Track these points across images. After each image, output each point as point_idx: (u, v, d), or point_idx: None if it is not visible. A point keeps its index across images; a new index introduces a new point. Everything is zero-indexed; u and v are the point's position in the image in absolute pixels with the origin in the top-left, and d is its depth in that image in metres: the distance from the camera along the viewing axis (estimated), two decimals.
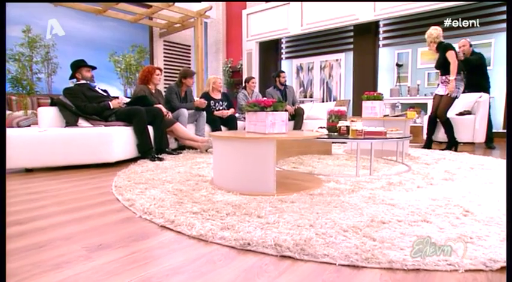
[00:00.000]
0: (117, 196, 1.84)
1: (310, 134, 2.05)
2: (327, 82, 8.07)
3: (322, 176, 2.31)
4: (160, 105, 3.48)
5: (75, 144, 2.66)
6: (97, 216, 1.53)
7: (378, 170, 2.55)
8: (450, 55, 3.63)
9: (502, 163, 2.87)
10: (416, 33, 6.55)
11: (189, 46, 9.43)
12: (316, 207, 1.58)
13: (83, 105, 3.01)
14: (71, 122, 2.91)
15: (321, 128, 3.05)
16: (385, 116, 3.62)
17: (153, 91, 3.65)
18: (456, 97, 3.73)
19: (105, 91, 3.35)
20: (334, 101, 7.94)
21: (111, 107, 3.11)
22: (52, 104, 3.03)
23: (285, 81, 4.89)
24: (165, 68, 9.28)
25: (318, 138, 2.28)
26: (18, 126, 4.96)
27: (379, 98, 3.51)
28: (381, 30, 7.01)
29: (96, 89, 3.23)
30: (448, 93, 3.70)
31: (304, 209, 1.55)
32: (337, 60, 7.81)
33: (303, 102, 8.08)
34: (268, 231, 1.27)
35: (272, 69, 8.68)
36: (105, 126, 2.99)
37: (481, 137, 3.95)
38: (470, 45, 4.43)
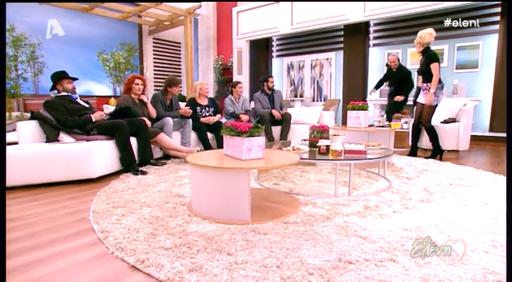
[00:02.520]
0: (93, 225, 1.84)
1: (288, 159, 2.05)
2: (317, 81, 8.04)
3: (301, 196, 2.32)
4: (144, 118, 3.44)
5: (56, 161, 2.64)
6: (69, 252, 1.53)
7: (358, 187, 2.57)
8: (434, 68, 3.65)
9: (481, 176, 2.91)
10: (406, 33, 6.52)
11: (179, 43, 9.30)
12: (288, 240, 1.59)
13: (64, 118, 2.97)
14: (51, 138, 2.88)
15: (305, 140, 3.07)
16: (370, 125, 3.64)
17: (137, 101, 3.61)
18: (436, 105, 3.77)
19: (87, 102, 3.30)
20: (324, 100, 7.95)
21: (93, 119, 3.08)
22: (32, 117, 2.98)
23: (273, 86, 4.87)
24: (154, 66, 9.17)
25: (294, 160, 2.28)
26: None
27: (364, 108, 3.52)
28: (371, 29, 6.97)
29: (78, 101, 3.19)
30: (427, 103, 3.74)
31: (275, 243, 1.56)
32: (327, 59, 7.78)
33: (293, 101, 8.07)
34: (234, 274, 1.29)
35: (263, 67, 8.63)
36: (87, 140, 2.96)
37: (465, 145, 3.99)
38: (398, 60, 5.28)
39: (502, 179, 2.83)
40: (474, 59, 5.95)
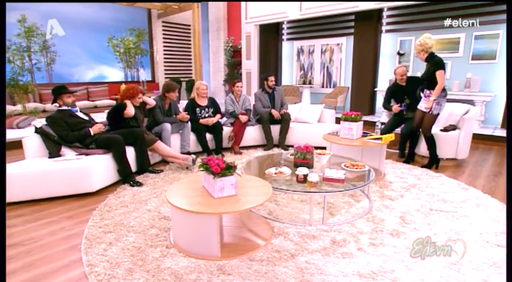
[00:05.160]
0: (82, 255, 2.06)
1: (261, 196, 2.13)
2: (327, 67, 7.84)
3: (277, 223, 2.46)
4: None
5: (57, 178, 2.87)
6: None
7: (337, 210, 2.66)
8: (440, 75, 3.50)
9: (467, 198, 2.91)
10: (421, 19, 6.16)
11: (189, 26, 9.17)
12: None
13: (64, 134, 3.17)
14: (53, 153, 3.10)
15: (291, 155, 3.12)
16: (363, 135, 3.62)
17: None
18: (438, 113, 3.67)
19: (86, 114, 3.47)
20: (333, 87, 7.79)
21: (92, 133, 3.26)
22: (36, 131, 3.20)
23: (273, 84, 4.84)
24: (164, 50, 9.18)
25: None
26: (18, 128, 5.23)
27: (356, 119, 3.50)
28: (385, 14, 6.61)
29: (78, 113, 3.36)
30: (429, 111, 3.64)
31: None
32: (338, 44, 7.51)
33: (302, 86, 7.94)
34: None
35: (272, 51, 8.45)
36: (87, 154, 3.17)
37: (464, 154, 3.92)
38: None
39: (487, 202, 2.83)
40: (492, 50, 5.60)
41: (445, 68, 3.60)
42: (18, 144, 4.00)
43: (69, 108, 3.31)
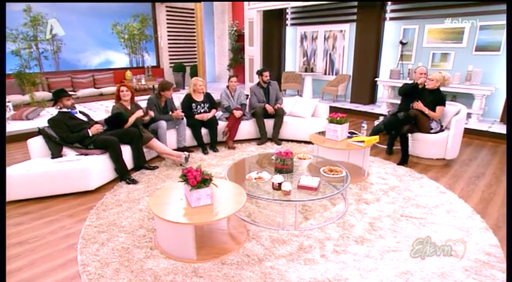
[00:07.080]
0: (78, 254, 2.35)
1: (235, 204, 2.34)
2: (330, 54, 7.76)
3: (254, 225, 2.68)
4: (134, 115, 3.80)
5: (59, 177, 3.15)
6: None
7: (311, 213, 2.86)
8: (440, 111, 3.86)
9: (441, 203, 3.05)
10: (426, 7, 5.97)
11: (193, 10, 9.10)
12: None
13: (65, 135, 3.42)
14: (56, 154, 3.37)
15: (272, 159, 3.29)
16: (349, 136, 3.73)
17: (129, 107, 3.92)
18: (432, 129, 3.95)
19: (86, 115, 3.70)
20: (336, 74, 7.75)
21: (90, 134, 3.50)
22: (39, 132, 3.46)
23: (268, 79, 4.91)
24: (168, 34, 9.21)
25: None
26: (27, 119, 5.54)
27: (341, 122, 3.60)
28: (389, 1, 6.41)
29: (77, 115, 3.58)
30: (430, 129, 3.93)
31: None
32: (341, 31, 7.38)
33: (304, 73, 7.92)
34: None
35: (276, 37, 8.38)
36: (86, 155, 3.42)
37: (453, 154, 3.98)
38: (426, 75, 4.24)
39: (459, 208, 2.96)
40: (497, 41, 5.45)
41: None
42: (27, 136, 4.28)
43: (69, 110, 3.54)
